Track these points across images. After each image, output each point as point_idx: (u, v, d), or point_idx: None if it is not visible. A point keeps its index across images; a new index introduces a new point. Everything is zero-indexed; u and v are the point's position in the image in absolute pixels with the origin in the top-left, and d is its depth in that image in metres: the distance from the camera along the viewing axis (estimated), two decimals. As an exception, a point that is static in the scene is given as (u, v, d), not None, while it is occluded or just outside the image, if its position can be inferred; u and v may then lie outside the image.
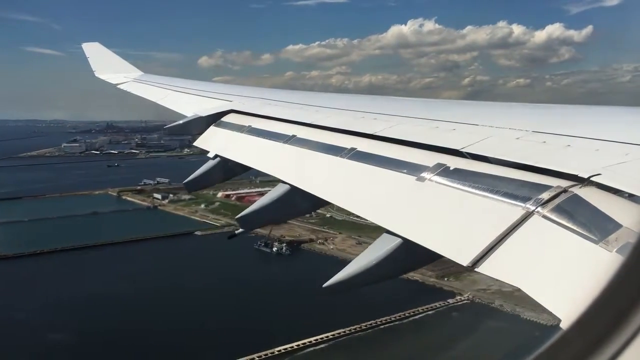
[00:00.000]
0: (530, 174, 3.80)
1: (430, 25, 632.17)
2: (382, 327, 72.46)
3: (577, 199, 3.31)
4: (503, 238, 3.38)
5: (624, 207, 3.09)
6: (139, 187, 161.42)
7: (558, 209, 3.29)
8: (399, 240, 4.17)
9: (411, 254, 4.19)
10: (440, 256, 3.83)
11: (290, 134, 7.13)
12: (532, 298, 2.94)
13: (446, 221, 4.10)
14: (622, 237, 2.79)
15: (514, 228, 3.38)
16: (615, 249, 2.76)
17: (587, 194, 3.30)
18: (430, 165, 4.58)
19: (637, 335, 1.56)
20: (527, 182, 3.73)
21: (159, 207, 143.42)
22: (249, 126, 8.44)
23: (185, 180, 9.01)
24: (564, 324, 2.51)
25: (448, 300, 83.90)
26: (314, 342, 67.54)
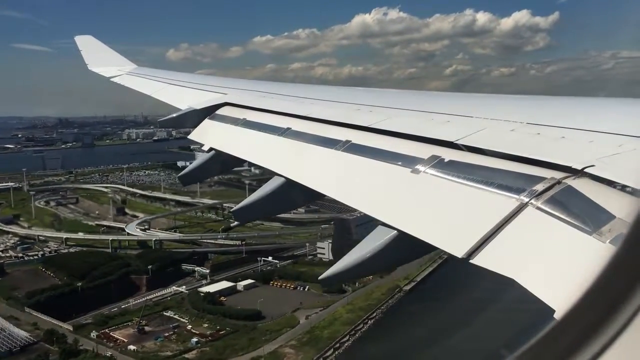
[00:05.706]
0: (525, 165, 3.81)
1: (394, 13, 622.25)
2: None
3: (571, 190, 3.32)
4: (498, 230, 3.39)
5: (618, 198, 3.11)
6: None
7: (552, 201, 3.31)
8: (394, 232, 4.18)
9: (406, 246, 4.20)
10: (435, 248, 3.85)
11: (285, 127, 7.11)
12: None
13: (441, 213, 4.11)
14: (615, 228, 2.81)
15: (508, 220, 3.40)
16: (608, 240, 2.78)
17: (581, 185, 3.31)
18: (425, 157, 4.58)
19: (629, 325, 1.58)
20: (521, 173, 3.74)
21: None
22: (244, 119, 8.41)
23: (180, 174, 8.98)
24: (558, 315, 2.53)
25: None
26: None
